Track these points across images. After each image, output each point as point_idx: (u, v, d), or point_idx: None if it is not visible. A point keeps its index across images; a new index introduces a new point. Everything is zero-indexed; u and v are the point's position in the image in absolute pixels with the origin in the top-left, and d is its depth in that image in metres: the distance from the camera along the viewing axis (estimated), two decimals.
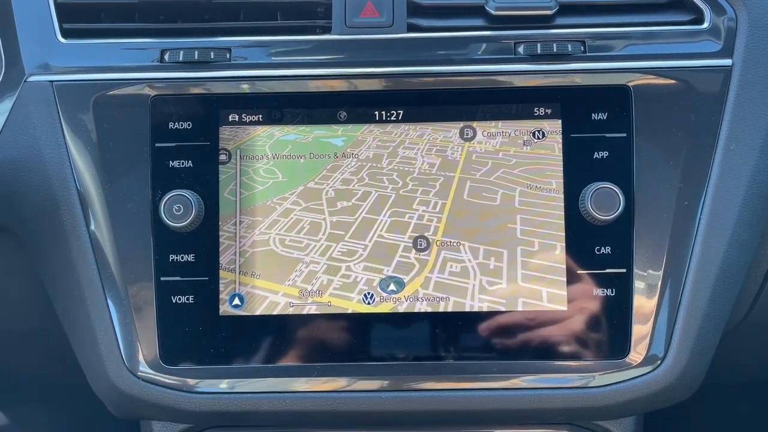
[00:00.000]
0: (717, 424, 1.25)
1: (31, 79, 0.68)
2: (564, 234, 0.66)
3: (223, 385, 0.66)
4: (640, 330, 0.65)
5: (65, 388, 0.93)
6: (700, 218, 0.65)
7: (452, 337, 0.66)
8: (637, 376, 0.64)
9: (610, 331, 0.65)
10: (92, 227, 0.66)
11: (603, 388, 0.65)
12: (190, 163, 0.67)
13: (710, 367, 0.74)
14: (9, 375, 0.92)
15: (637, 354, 0.65)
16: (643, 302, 0.65)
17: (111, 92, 0.68)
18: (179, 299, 0.66)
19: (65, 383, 0.91)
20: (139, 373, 0.65)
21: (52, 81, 0.68)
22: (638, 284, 0.65)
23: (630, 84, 0.67)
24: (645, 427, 0.76)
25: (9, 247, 0.72)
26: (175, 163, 0.67)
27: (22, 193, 0.68)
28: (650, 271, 0.65)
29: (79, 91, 0.68)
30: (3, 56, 0.70)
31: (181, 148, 0.67)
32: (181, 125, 0.68)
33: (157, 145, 0.67)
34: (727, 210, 0.65)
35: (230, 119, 0.68)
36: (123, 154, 0.67)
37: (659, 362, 0.64)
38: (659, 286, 0.65)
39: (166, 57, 0.68)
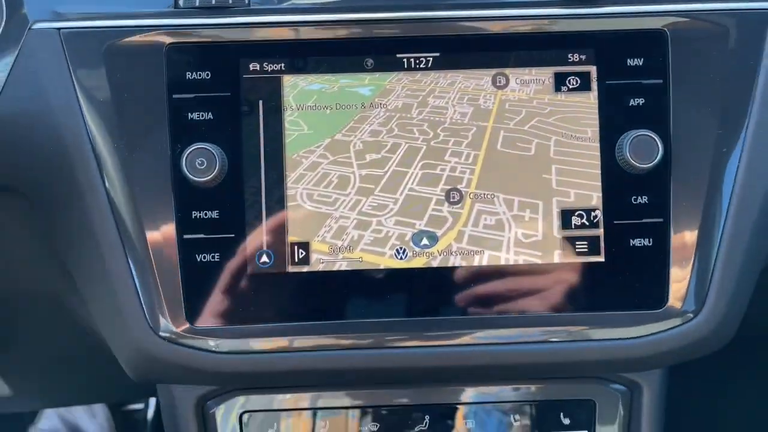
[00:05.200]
0: (735, 376, 1.27)
1: (36, 26, 0.64)
2: (600, 184, 0.64)
3: (252, 345, 0.64)
4: (678, 281, 0.64)
5: (79, 353, 0.91)
6: (738, 166, 0.64)
7: (488, 291, 0.65)
8: (674, 327, 0.64)
9: (647, 282, 0.64)
10: (109, 184, 0.63)
11: (640, 339, 0.64)
12: (210, 116, 0.64)
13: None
14: (17, 340, 0.90)
15: (674, 305, 0.64)
16: (681, 253, 0.64)
17: (123, 40, 0.64)
18: (204, 257, 0.64)
19: (79, 349, 0.88)
20: (163, 334, 0.63)
21: (59, 28, 0.64)
22: (676, 234, 0.64)
23: (667, 28, 0.65)
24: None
25: (19, 210, 0.68)
26: (195, 116, 0.64)
27: (31, 151, 0.64)
28: (688, 221, 0.64)
29: (89, 39, 0.64)
30: (3, 1, 0.65)
31: (201, 99, 0.64)
32: (200, 75, 0.64)
33: (174, 96, 0.64)
34: (765, 159, 0.64)
35: (251, 68, 0.65)
36: (139, 107, 0.64)
37: (696, 313, 0.64)
38: (697, 236, 0.64)
39: (181, 2, 0.64)
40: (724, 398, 1.27)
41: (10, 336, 0.90)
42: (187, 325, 0.63)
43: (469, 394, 0.74)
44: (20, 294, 0.79)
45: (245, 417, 0.74)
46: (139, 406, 1.60)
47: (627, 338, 0.64)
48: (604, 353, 0.64)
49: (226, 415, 0.74)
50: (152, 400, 1.61)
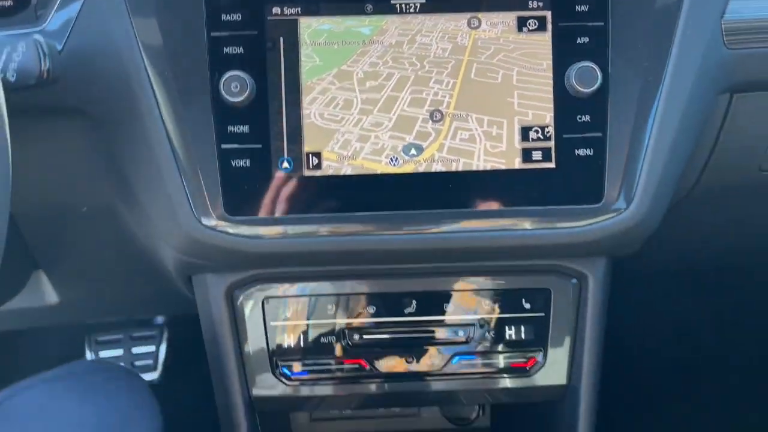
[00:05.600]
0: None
1: None
2: (552, 106, 0.81)
3: (276, 231, 0.80)
4: (612, 182, 0.81)
5: (127, 266, 1.05)
6: (660, 92, 0.80)
7: (462, 190, 0.81)
8: (609, 218, 0.81)
9: (588, 183, 0.81)
10: (162, 106, 0.78)
11: (583, 228, 0.81)
12: (242, 50, 0.79)
13: (657, 252, 0.91)
14: (72, 252, 1.04)
15: (608, 201, 0.81)
16: (615, 161, 0.81)
17: None
18: (237, 163, 0.80)
19: (127, 262, 1.03)
20: (205, 222, 0.79)
21: None
22: (611, 146, 0.81)
23: None
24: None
25: (86, 130, 0.83)
26: (229, 50, 0.79)
27: (98, 77, 0.79)
28: (621, 136, 0.81)
29: None
30: None
31: (234, 37, 0.79)
32: (232, 17, 0.79)
33: (212, 34, 0.79)
34: (683, 85, 0.80)
35: (274, 12, 0.80)
36: (184, 42, 0.79)
37: (626, 208, 0.81)
38: (627, 148, 0.81)
39: None
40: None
41: (66, 247, 1.04)
42: (225, 216, 0.79)
43: (449, 283, 0.92)
44: (79, 206, 0.93)
45: (266, 302, 0.91)
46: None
47: (573, 227, 0.81)
48: (555, 238, 0.81)
49: (251, 301, 0.90)
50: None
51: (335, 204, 0.81)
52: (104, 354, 1.80)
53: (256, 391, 0.92)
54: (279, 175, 0.80)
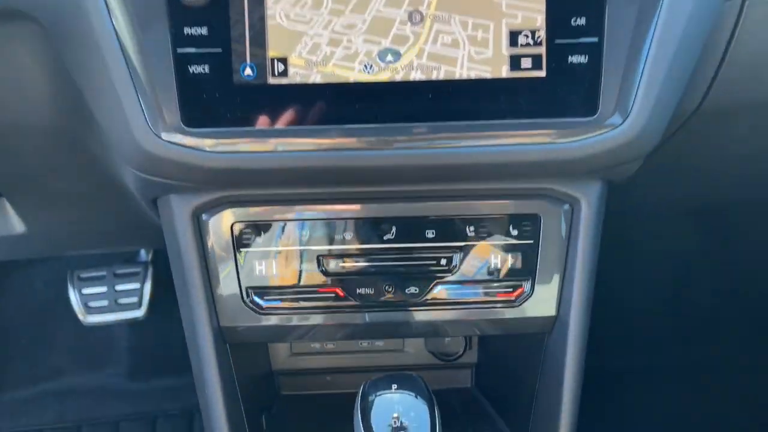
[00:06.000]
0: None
1: None
2: (545, 6, 0.73)
3: (240, 146, 0.73)
4: (608, 93, 0.74)
5: (89, 191, 1.00)
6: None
7: (444, 101, 0.74)
8: (603, 132, 0.74)
9: (582, 94, 0.74)
10: (111, 4, 0.71)
11: (575, 142, 0.74)
12: None
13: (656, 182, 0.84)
14: (27, 176, 0.98)
15: (604, 114, 0.74)
16: (612, 70, 0.73)
17: None
18: (195, 69, 0.72)
19: (89, 187, 0.97)
20: (162, 135, 0.72)
21: None
22: (608, 53, 0.73)
23: None
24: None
25: (36, 39, 0.75)
26: None
27: None
28: (619, 42, 0.73)
29: None
30: None
31: None
32: None
33: None
34: None
35: None
36: None
37: (622, 122, 0.74)
38: (626, 56, 0.73)
39: None
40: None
41: (25, 172, 0.98)
42: (182, 128, 0.73)
43: (430, 208, 0.85)
44: (35, 127, 0.86)
45: (236, 227, 0.85)
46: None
47: (564, 142, 0.74)
48: (544, 155, 0.74)
49: (220, 225, 0.84)
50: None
51: (303, 116, 0.74)
52: (87, 291, 1.77)
53: (225, 322, 0.87)
54: (240, 82, 0.73)
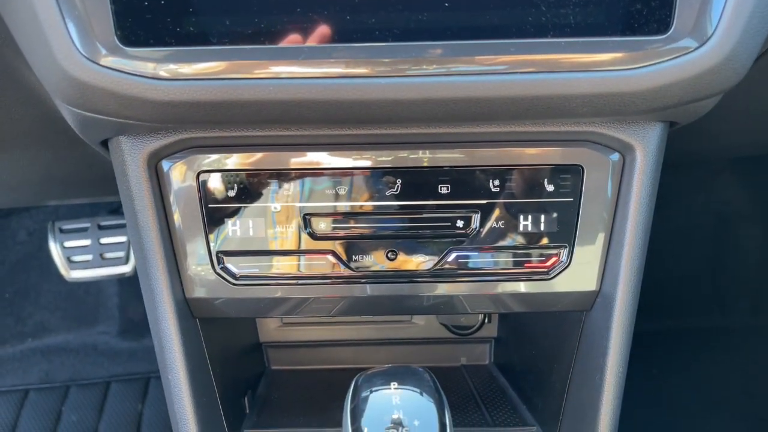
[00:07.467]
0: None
1: None
2: None
3: (196, 70, 0.56)
4: (685, 4, 0.55)
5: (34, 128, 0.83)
6: None
7: (469, 11, 0.55)
8: (681, 55, 0.55)
9: (650, 3, 0.55)
10: None
11: (638, 69, 0.55)
12: None
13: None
14: None
15: (680, 30, 0.55)
16: None
17: None
18: None
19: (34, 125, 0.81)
20: (91, 57, 0.55)
21: None
22: None
23: None
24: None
25: None
26: None
27: None
28: None
29: None
30: None
31: None
32: None
33: None
34: None
35: None
36: None
37: (707, 38, 0.55)
38: None
39: None
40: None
41: None
42: (119, 47, 0.55)
43: (445, 156, 0.68)
44: None
45: (202, 178, 0.68)
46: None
47: (626, 69, 0.56)
48: (598, 85, 0.56)
49: (183, 175, 0.68)
50: None
51: (283, 29, 0.56)
52: (70, 244, 1.62)
53: (192, 293, 0.72)
54: None
